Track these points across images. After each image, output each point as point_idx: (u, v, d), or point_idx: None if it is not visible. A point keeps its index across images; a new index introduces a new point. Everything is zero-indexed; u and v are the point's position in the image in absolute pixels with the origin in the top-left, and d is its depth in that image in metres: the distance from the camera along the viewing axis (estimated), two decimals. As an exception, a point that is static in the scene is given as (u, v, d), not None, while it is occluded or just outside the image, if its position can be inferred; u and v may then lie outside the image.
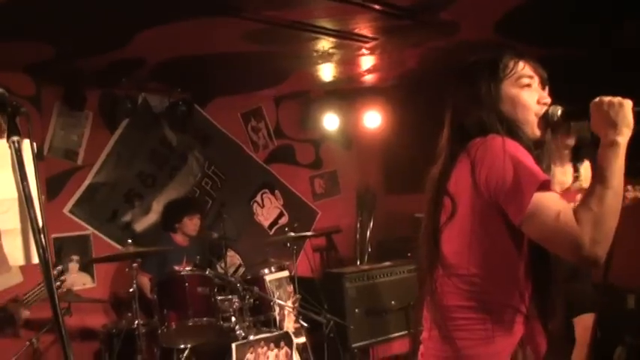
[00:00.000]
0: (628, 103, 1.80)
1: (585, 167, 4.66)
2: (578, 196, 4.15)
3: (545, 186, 1.77)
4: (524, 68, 2.03)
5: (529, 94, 2.01)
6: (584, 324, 4.68)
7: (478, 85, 2.01)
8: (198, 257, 6.03)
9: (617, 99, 1.81)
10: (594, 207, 1.71)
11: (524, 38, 5.11)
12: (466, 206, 1.92)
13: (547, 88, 2.09)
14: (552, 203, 1.75)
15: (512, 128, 1.95)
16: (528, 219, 1.76)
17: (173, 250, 5.70)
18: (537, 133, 2.00)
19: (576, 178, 4.30)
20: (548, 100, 2.03)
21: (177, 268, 5.69)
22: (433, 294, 2.01)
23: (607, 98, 1.82)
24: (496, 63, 2.03)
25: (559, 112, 1.99)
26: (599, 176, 1.77)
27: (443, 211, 1.98)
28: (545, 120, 2.00)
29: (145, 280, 5.35)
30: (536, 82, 2.04)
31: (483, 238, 1.90)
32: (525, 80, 2.01)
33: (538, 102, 2.01)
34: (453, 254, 1.97)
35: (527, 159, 1.82)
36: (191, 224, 5.97)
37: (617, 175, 1.75)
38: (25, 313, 3.92)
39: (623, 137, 1.77)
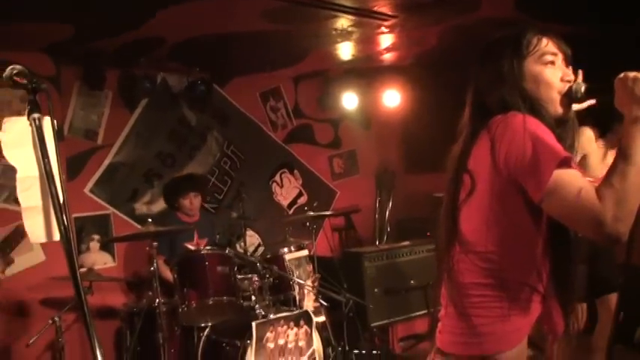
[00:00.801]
0: None
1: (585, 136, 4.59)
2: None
3: (566, 163, 1.75)
4: (547, 45, 2.00)
5: (552, 71, 1.98)
6: (607, 304, 4.66)
7: (501, 62, 1.99)
8: (217, 236, 6.04)
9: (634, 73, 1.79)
10: (617, 184, 1.69)
11: (546, 15, 5.04)
12: (485, 183, 1.91)
13: (570, 66, 2.05)
14: (573, 180, 1.73)
15: (534, 106, 1.92)
16: (548, 196, 1.74)
17: (183, 229, 5.70)
18: (560, 110, 1.98)
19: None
20: (572, 77, 2.00)
21: (190, 245, 5.71)
22: (450, 271, 2.00)
23: (632, 74, 1.80)
24: (519, 40, 2.00)
25: (582, 89, 1.96)
26: (622, 153, 1.74)
27: (462, 188, 1.97)
28: (568, 97, 1.98)
29: (160, 262, 5.36)
30: (559, 59, 2.01)
31: (501, 215, 1.89)
32: (549, 57, 1.98)
33: (561, 79, 1.98)
34: (470, 231, 1.96)
35: (547, 136, 1.80)
36: (186, 203, 5.88)
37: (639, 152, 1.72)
38: None
39: None
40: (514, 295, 1.89)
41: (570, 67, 2.05)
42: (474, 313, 1.92)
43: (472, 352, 1.91)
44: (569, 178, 1.74)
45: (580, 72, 2.05)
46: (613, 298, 4.62)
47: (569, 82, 1.99)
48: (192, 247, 5.67)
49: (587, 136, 4.62)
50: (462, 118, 2.12)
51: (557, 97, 1.98)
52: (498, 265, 1.90)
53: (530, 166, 1.77)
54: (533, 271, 1.91)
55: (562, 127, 2.01)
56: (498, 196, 1.88)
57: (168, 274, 5.30)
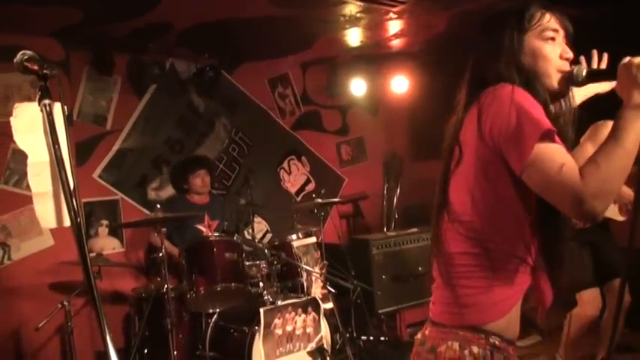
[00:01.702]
0: None
1: (608, 128, 4.59)
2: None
3: (549, 136, 1.74)
4: (549, 21, 1.97)
5: (552, 47, 1.96)
6: (614, 290, 4.67)
7: (502, 35, 1.97)
8: (226, 222, 6.05)
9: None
10: (602, 163, 1.68)
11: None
12: (472, 153, 1.89)
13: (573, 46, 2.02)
14: (556, 154, 1.72)
15: (530, 80, 1.90)
16: (529, 168, 1.73)
17: (193, 211, 5.73)
18: (556, 85, 1.95)
19: None
20: (571, 55, 1.99)
21: (201, 227, 5.73)
22: (438, 241, 1.99)
23: (637, 60, 1.78)
24: (522, 13, 1.97)
25: (584, 73, 1.94)
26: (614, 134, 1.73)
27: (453, 158, 1.96)
28: (569, 80, 1.96)
29: (168, 245, 5.40)
30: (560, 35, 1.99)
31: (486, 185, 1.87)
32: (550, 33, 1.96)
33: (560, 56, 1.96)
34: (457, 201, 1.94)
35: (534, 109, 1.78)
36: (198, 181, 5.96)
37: (632, 136, 1.71)
38: None
39: None
40: (500, 265, 1.87)
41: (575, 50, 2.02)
42: (459, 284, 1.91)
43: (459, 322, 1.91)
44: (552, 152, 1.73)
45: (582, 58, 2.04)
46: (616, 283, 4.65)
47: (567, 59, 1.97)
48: (203, 229, 5.71)
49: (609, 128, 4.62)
50: (460, 88, 2.09)
51: (554, 73, 1.95)
52: (483, 235, 1.88)
53: (513, 137, 1.75)
54: (521, 243, 1.88)
55: (558, 103, 2.01)
56: (483, 166, 1.86)
57: (170, 248, 5.34)
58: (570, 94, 2.02)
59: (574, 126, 2.06)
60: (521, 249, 1.88)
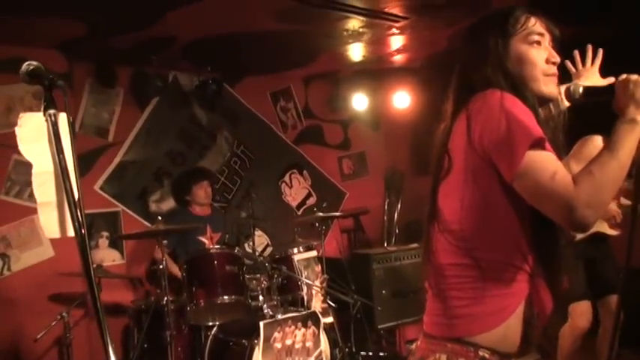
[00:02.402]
0: None
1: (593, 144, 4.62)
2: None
3: (540, 144, 1.72)
4: (535, 25, 1.96)
5: (537, 51, 1.94)
6: (608, 306, 4.69)
7: (487, 40, 1.96)
8: (227, 235, 6.05)
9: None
10: (596, 172, 1.68)
11: (559, 16, 5.02)
12: (461, 161, 1.86)
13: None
14: (548, 162, 1.71)
15: (517, 85, 1.89)
16: (521, 176, 1.71)
17: (195, 223, 5.71)
18: (544, 90, 1.93)
19: None
20: (558, 59, 1.97)
21: (203, 239, 5.73)
22: (428, 252, 1.97)
23: (634, 77, 1.78)
24: (506, 18, 1.97)
25: (580, 90, 1.94)
26: (609, 146, 1.73)
27: (442, 166, 1.94)
28: (566, 97, 1.97)
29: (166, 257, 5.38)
30: (547, 39, 1.97)
31: (476, 193, 1.84)
32: (535, 37, 1.95)
33: (547, 60, 1.95)
34: (447, 210, 1.92)
35: (524, 115, 1.76)
36: (201, 192, 5.97)
37: (626, 149, 1.71)
38: None
39: None
40: (492, 275, 1.82)
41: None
42: (449, 295, 1.88)
43: (447, 334, 1.87)
44: (543, 159, 1.71)
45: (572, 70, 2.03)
46: (613, 299, 4.66)
47: (554, 63, 1.96)
48: (205, 241, 5.70)
49: (596, 145, 4.63)
50: (447, 95, 2.07)
51: (541, 77, 1.93)
52: (473, 244, 1.84)
53: (504, 144, 1.73)
54: (515, 250, 1.83)
55: (547, 108, 2.00)
56: (473, 174, 1.83)
57: (174, 269, 5.33)
58: (559, 97, 2.00)
59: (565, 129, 2.05)
60: (515, 257, 1.83)
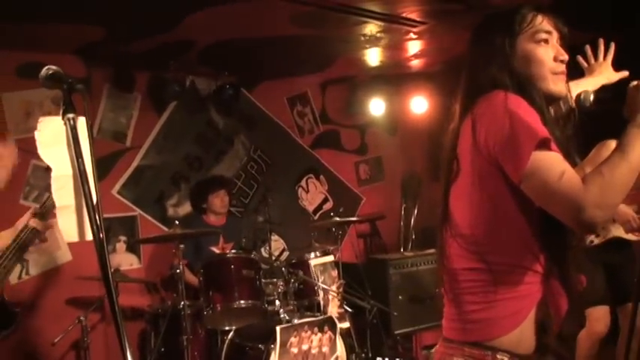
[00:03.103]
0: None
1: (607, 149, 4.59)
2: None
3: (545, 144, 1.71)
4: (542, 23, 1.94)
5: (545, 50, 1.92)
6: (628, 313, 4.63)
7: (493, 39, 1.94)
8: (243, 240, 6.04)
9: None
10: (606, 173, 1.67)
11: (578, 23, 4.99)
12: (468, 165, 1.86)
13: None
14: (554, 163, 1.70)
15: (523, 84, 1.88)
16: (528, 177, 1.70)
17: (210, 232, 5.71)
18: (552, 88, 1.92)
19: None
20: (566, 57, 1.95)
21: (215, 249, 5.72)
22: (442, 257, 1.97)
23: None
24: (513, 16, 1.95)
25: (591, 98, 1.93)
26: (620, 148, 1.73)
27: (452, 171, 1.94)
28: (577, 105, 1.96)
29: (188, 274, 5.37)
30: (554, 37, 1.95)
31: (484, 197, 1.84)
32: (542, 35, 1.93)
33: (555, 58, 1.93)
34: (458, 214, 1.92)
35: (528, 115, 1.75)
36: (217, 201, 5.92)
37: (637, 152, 1.70)
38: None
39: None
40: (505, 278, 1.82)
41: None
42: (464, 300, 1.88)
43: (464, 338, 1.87)
44: (550, 160, 1.70)
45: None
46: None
47: (562, 61, 1.94)
48: (217, 251, 5.69)
49: (611, 149, 4.60)
50: (455, 96, 2.07)
51: (549, 75, 1.91)
52: (484, 248, 1.85)
53: (509, 146, 1.73)
54: (527, 253, 1.83)
55: (557, 105, 1.99)
56: (480, 178, 1.83)
57: (191, 278, 5.32)
58: (568, 95, 1.99)
59: (574, 127, 2.03)
60: (527, 259, 1.83)
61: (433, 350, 2.01)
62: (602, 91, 2.00)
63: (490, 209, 1.84)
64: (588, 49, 2.78)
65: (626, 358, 1.86)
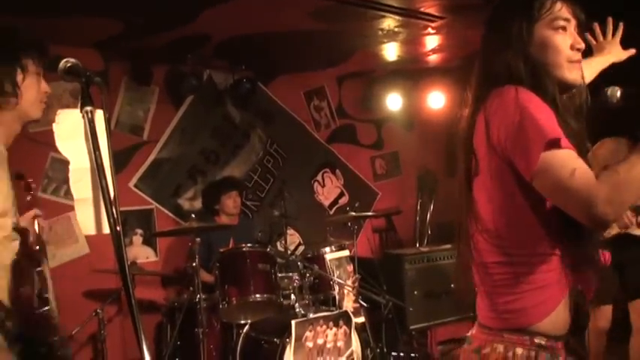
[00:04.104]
0: None
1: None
2: None
3: (556, 141, 1.70)
4: (561, 9, 1.91)
5: (562, 37, 1.91)
6: (638, 310, 4.62)
7: (510, 25, 1.93)
8: (259, 233, 6.03)
9: None
10: (622, 171, 1.66)
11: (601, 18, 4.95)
12: (485, 164, 1.88)
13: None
14: (566, 159, 1.70)
15: (538, 71, 1.88)
16: (540, 175, 1.71)
17: (218, 234, 5.66)
18: (568, 76, 1.91)
19: None
20: (583, 45, 1.93)
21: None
22: (473, 251, 1.99)
23: None
24: (532, 2, 1.93)
25: (618, 94, 1.93)
26: (639, 149, 1.70)
27: (472, 168, 1.96)
28: (603, 101, 1.95)
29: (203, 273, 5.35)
30: (572, 25, 1.93)
31: (501, 193, 1.86)
32: (560, 22, 1.91)
33: (572, 47, 1.91)
34: (482, 211, 1.93)
35: (539, 112, 1.75)
36: (230, 202, 5.89)
37: None
38: None
39: None
40: (533, 269, 1.85)
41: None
42: (496, 292, 1.92)
43: (502, 326, 1.91)
44: (562, 157, 1.70)
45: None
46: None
47: (579, 49, 1.92)
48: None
49: (608, 148, 4.61)
50: (470, 83, 2.06)
51: (565, 63, 1.90)
52: (507, 242, 1.88)
53: (520, 144, 1.74)
54: (547, 244, 1.86)
55: (569, 94, 1.97)
56: (496, 174, 1.86)
57: (205, 276, 5.32)
58: (583, 84, 1.98)
59: (586, 115, 2.02)
60: (549, 250, 1.86)
61: (469, 334, 2.06)
62: (629, 87, 1.94)
63: (508, 204, 1.86)
64: (597, 27, 2.78)
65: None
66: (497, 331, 1.92)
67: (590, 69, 2.52)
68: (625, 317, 4.75)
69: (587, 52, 2.59)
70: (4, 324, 2.11)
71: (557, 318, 1.86)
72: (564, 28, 1.91)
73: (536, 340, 1.85)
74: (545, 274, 1.85)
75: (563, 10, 1.92)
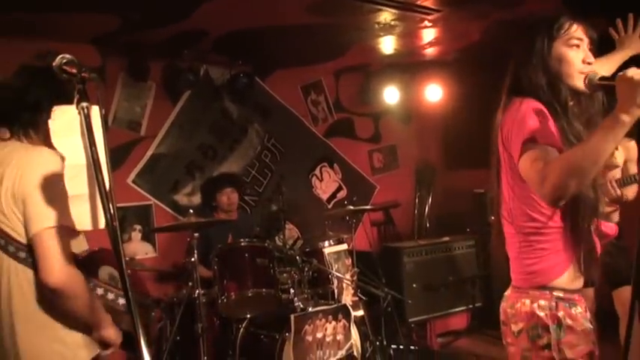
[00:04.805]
0: None
1: (625, 147, 4.63)
2: (610, 174, 4.36)
3: (534, 140, 2.17)
4: (576, 30, 2.35)
5: (575, 53, 2.33)
6: (620, 298, 4.65)
7: (534, 40, 2.37)
8: (257, 228, 6.03)
9: (637, 76, 1.95)
10: (565, 156, 2.12)
11: (592, 9, 4.94)
12: (503, 158, 2.40)
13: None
14: (537, 153, 2.15)
15: (552, 80, 2.32)
16: (519, 164, 2.22)
17: (216, 230, 5.61)
18: (578, 84, 2.32)
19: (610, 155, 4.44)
20: (592, 59, 2.35)
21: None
22: (501, 225, 2.52)
23: (630, 74, 1.98)
24: (553, 23, 2.36)
25: (597, 78, 2.26)
26: (589, 136, 2.08)
27: (497, 162, 2.47)
28: (585, 84, 2.30)
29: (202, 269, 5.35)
30: (585, 43, 2.36)
31: (513, 179, 2.36)
32: (575, 41, 2.34)
33: (583, 61, 2.33)
34: (503, 192, 2.46)
35: (530, 118, 2.22)
36: (224, 199, 5.86)
37: (596, 141, 2.01)
38: None
39: (627, 116, 1.96)
40: (543, 238, 2.35)
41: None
42: (520, 256, 2.42)
43: (529, 285, 2.39)
44: (533, 152, 2.16)
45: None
46: (623, 292, 4.66)
47: (589, 63, 2.33)
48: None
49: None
50: (503, 87, 2.48)
51: (576, 74, 2.32)
52: (520, 219, 2.39)
53: (513, 141, 2.25)
54: (552, 218, 2.33)
55: (585, 99, 2.37)
56: (510, 167, 2.35)
57: (204, 272, 5.31)
58: (595, 91, 2.35)
59: (602, 115, 2.34)
60: (554, 224, 2.34)
61: (506, 294, 2.51)
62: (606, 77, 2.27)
63: (518, 187, 2.34)
64: (619, 22, 3.20)
65: (626, 343, 2.01)
66: (525, 289, 2.40)
67: (611, 64, 2.99)
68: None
69: (611, 47, 3.10)
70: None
71: (570, 275, 2.36)
72: (578, 46, 2.35)
73: (555, 294, 2.34)
74: (555, 242, 2.34)
75: (578, 31, 2.36)
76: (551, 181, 2.03)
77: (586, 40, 2.36)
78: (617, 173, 4.54)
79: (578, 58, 2.33)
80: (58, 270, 2.15)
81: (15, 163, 2.24)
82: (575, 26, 2.35)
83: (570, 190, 2.03)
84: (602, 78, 2.24)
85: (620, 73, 2.03)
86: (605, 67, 2.84)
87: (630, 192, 4.50)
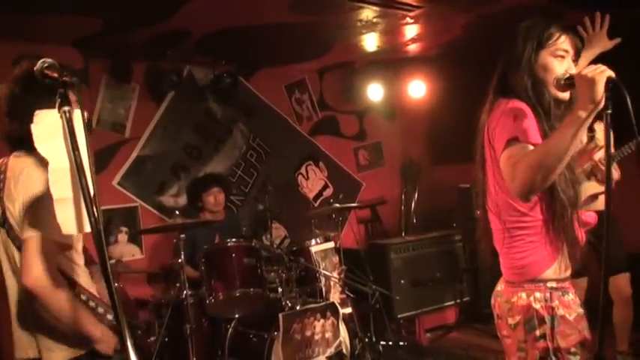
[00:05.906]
0: (600, 79, 2.07)
1: (600, 128, 4.68)
2: (595, 155, 4.49)
3: (515, 139, 2.27)
4: (564, 42, 2.43)
5: (560, 63, 2.42)
6: (616, 286, 4.73)
7: (524, 46, 2.44)
8: (244, 228, 6.03)
9: (591, 73, 2.09)
10: (530, 153, 2.19)
11: (575, 2, 4.98)
12: (488, 156, 2.47)
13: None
14: (516, 150, 2.25)
15: (536, 86, 2.41)
16: (500, 160, 2.31)
17: (202, 230, 5.57)
18: (557, 93, 2.40)
19: (591, 138, 4.57)
20: (574, 71, 2.38)
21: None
22: (487, 222, 2.60)
23: (586, 71, 2.12)
24: (543, 32, 2.44)
25: (564, 78, 2.34)
26: (552, 134, 2.21)
27: (484, 158, 2.54)
28: (555, 85, 2.39)
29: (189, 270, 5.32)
30: (570, 54, 2.45)
31: (496, 175, 2.42)
32: (561, 52, 2.43)
33: (566, 72, 2.39)
34: (488, 187, 2.53)
35: (513, 119, 2.31)
36: (210, 199, 5.81)
37: (557, 139, 2.12)
38: None
39: (584, 111, 2.09)
40: (528, 232, 2.43)
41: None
42: (510, 252, 2.49)
43: (522, 279, 2.45)
44: (511, 150, 2.27)
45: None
46: (620, 278, 4.76)
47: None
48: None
49: None
50: (490, 86, 2.55)
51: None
52: (504, 214, 2.47)
53: (495, 139, 2.35)
54: (534, 212, 2.41)
55: (561, 108, 2.43)
56: (492, 161, 2.43)
57: (191, 272, 5.29)
58: (564, 91, 2.42)
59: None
60: (539, 217, 2.42)
61: (499, 289, 2.59)
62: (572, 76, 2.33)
63: (502, 183, 2.38)
64: (587, 20, 3.28)
65: (602, 329, 2.09)
66: (519, 283, 2.47)
67: (580, 62, 2.94)
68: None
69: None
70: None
71: (559, 265, 2.45)
72: (563, 57, 2.43)
73: (549, 285, 2.42)
74: (539, 235, 2.42)
75: (565, 43, 2.44)
76: (519, 178, 2.16)
77: (571, 52, 2.46)
78: (602, 153, 4.60)
79: (562, 68, 2.41)
80: (34, 276, 2.20)
81: (24, 174, 2.34)
82: (563, 38, 2.43)
83: (537, 185, 2.14)
84: (569, 78, 2.32)
85: (576, 72, 2.22)
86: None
87: (615, 172, 4.56)
